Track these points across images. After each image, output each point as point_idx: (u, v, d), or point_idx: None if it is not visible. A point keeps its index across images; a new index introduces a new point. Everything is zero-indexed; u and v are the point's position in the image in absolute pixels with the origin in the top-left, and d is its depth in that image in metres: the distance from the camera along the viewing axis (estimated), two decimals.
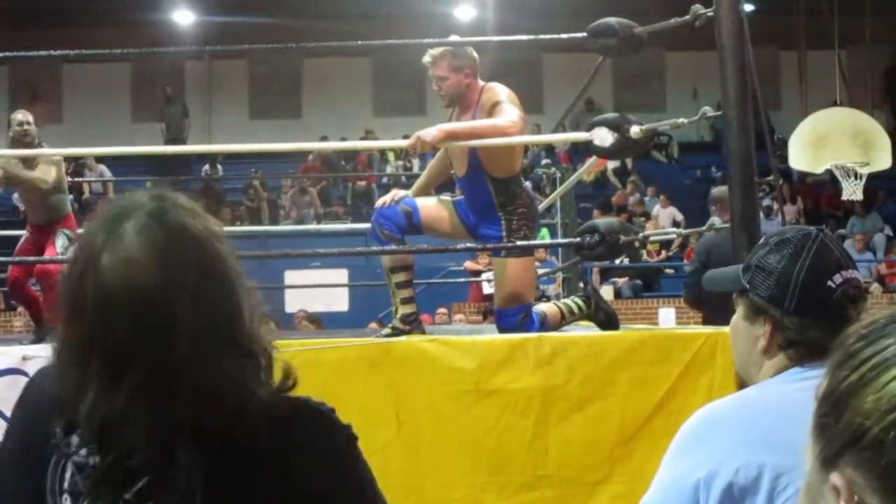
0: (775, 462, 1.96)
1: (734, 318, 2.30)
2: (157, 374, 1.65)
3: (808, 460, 1.12)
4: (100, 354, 1.67)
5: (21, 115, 7.97)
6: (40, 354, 4.82)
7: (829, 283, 2.16)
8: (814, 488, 1.10)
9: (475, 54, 5.74)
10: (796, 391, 2.06)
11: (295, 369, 1.80)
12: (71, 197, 22.02)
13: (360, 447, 1.82)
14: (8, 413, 3.63)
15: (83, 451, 1.72)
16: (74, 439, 1.73)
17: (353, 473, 1.81)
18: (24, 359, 4.73)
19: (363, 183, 23.33)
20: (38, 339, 7.30)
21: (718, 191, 9.53)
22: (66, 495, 1.73)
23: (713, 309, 8.21)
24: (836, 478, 1.05)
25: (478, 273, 16.97)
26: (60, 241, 8.06)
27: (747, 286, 2.23)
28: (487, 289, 16.89)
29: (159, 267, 1.68)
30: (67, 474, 1.73)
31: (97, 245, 1.71)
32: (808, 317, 2.15)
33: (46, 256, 7.74)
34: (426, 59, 5.72)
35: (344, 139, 20.97)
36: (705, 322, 8.50)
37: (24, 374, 4.61)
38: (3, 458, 1.88)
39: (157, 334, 1.66)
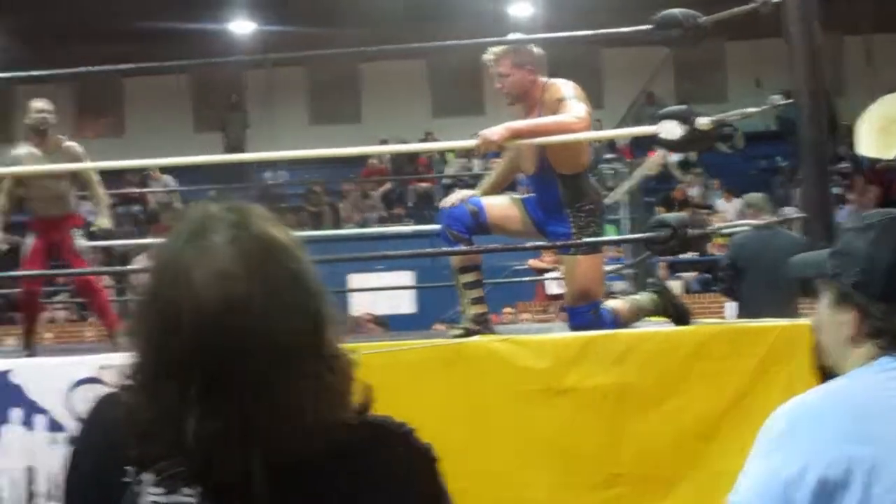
0: (868, 455, 1.91)
1: (820, 305, 2.23)
2: (253, 393, 1.59)
3: None
4: (199, 377, 1.58)
5: (40, 104, 7.89)
6: (119, 364, 4.86)
7: None
8: None
9: (538, 50, 5.70)
10: (888, 381, 2.02)
11: (371, 388, 1.73)
12: (138, 208, 22.16)
13: (439, 468, 1.76)
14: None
15: (160, 489, 1.64)
16: (147, 477, 1.65)
17: (433, 496, 1.75)
18: (102, 368, 4.77)
19: (425, 185, 23.34)
20: (30, 353, 7.28)
21: (751, 197, 9.91)
22: None
23: (747, 301, 8.64)
24: None
25: (542, 272, 16.92)
26: (78, 241, 7.99)
27: (832, 272, 2.17)
28: (552, 288, 16.86)
29: (255, 279, 1.61)
30: None
31: (185, 260, 1.63)
32: None
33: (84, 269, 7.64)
34: (488, 57, 5.69)
35: (403, 142, 20.99)
36: (739, 315, 8.78)
37: (103, 383, 4.65)
38: (72, 491, 1.80)
39: (259, 352, 1.59)
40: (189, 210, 1.74)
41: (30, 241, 7.82)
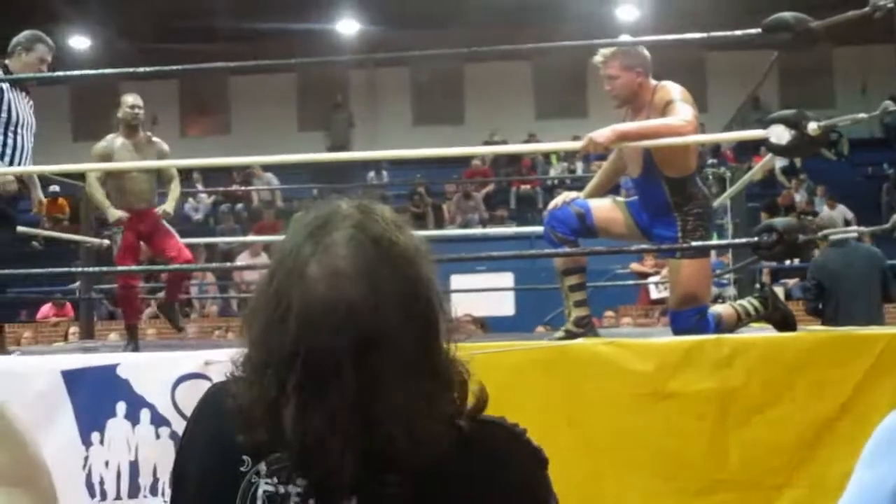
0: None
1: None
2: (357, 393, 1.59)
3: None
4: (299, 371, 1.60)
5: (132, 99, 7.98)
6: (223, 359, 4.93)
7: None
8: None
9: (646, 53, 5.69)
10: None
11: (486, 390, 1.73)
12: (241, 206, 22.39)
13: (549, 471, 1.77)
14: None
15: (273, 480, 1.68)
16: (262, 467, 1.69)
17: (543, 498, 1.76)
18: (206, 363, 4.84)
19: (528, 186, 23.32)
20: (134, 348, 7.39)
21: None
22: None
23: (833, 318, 8.88)
24: None
25: (644, 276, 16.83)
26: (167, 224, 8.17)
27: None
28: (654, 292, 16.76)
29: (367, 282, 1.61)
30: (258, 501, 1.69)
31: (304, 254, 1.65)
32: None
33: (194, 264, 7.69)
34: (597, 58, 5.68)
35: (505, 143, 21.00)
36: None
37: (207, 378, 4.72)
38: (188, 479, 1.83)
39: (358, 351, 1.59)
40: (317, 205, 1.75)
41: (119, 236, 7.93)
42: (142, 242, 8.05)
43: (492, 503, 1.70)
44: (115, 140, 7.90)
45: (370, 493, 1.64)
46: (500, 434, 1.76)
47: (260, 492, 1.69)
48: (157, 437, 4.83)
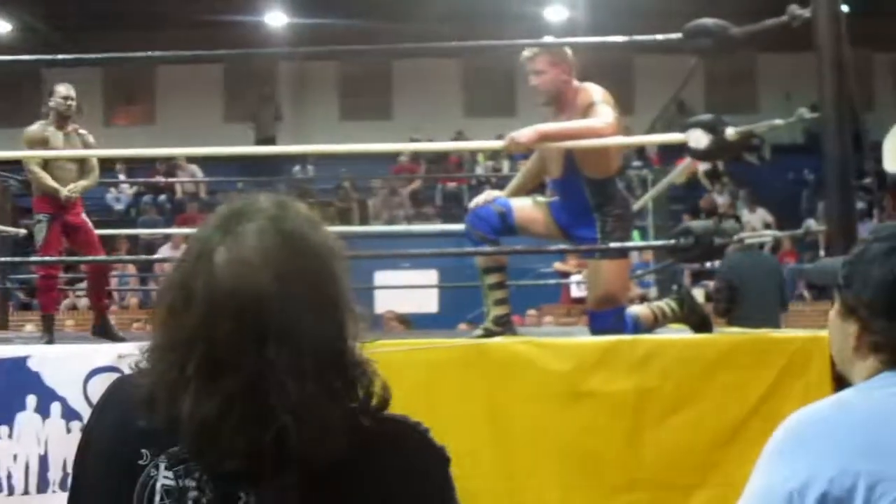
0: (871, 470, 1.88)
1: (831, 312, 2.22)
2: (253, 380, 1.62)
3: None
4: (199, 355, 1.64)
5: (65, 89, 7.96)
6: (137, 352, 4.90)
7: None
8: None
9: (572, 54, 5.73)
10: (889, 397, 2.01)
11: (388, 383, 1.77)
12: (164, 197, 22.22)
13: (451, 469, 1.80)
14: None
15: (171, 474, 1.71)
16: (161, 460, 1.72)
17: (444, 496, 1.79)
18: (120, 357, 4.80)
19: (453, 184, 23.36)
20: (49, 340, 7.33)
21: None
22: None
23: (737, 321, 9.12)
24: None
25: (567, 275, 16.94)
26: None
27: (841, 282, 2.17)
28: (576, 291, 16.89)
29: (271, 273, 1.65)
30: (156, 498, 1.71)
31: (213, 243, 1.69)
32: None
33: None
34: (525, 53, 5.71)
35: (433, 141, 21.01)
36: None
37: (121, 371, 4.69)
38: (85, 472, 1.85)
39: (259, 340, 1.62)
40: (234, 198, 1.79)
41: (43, 224, 7.84)
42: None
43: (399, 499, 1.73)
44: (46, 128, 7.86)
45: (269, 488, 1.66)
46: (406, 431, 1.79)
47: (158, 485, 1.71)
48: (69, 431, 4.76)
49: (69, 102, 7.90)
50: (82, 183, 7.95)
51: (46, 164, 7.80)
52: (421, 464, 1.77)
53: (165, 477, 1.71)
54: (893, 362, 2.07)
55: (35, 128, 7.90)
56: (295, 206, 1.77)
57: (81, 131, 8.05)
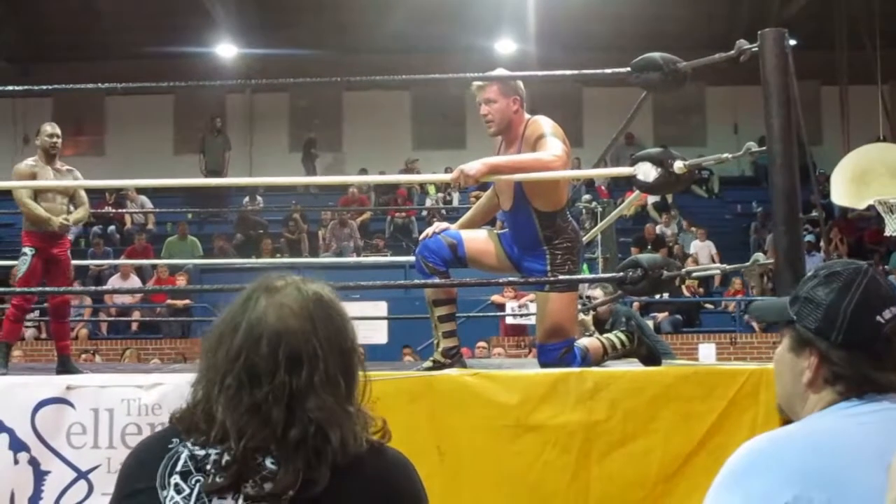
0: (824, 498, 1.92)
1: (779, 349, 2.26)
2: (289, 391, 2.02)
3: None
4: (238, 372, 2.04)
5: (51, 128, 8.18)
6: (85, 384, 4.84)
7: (879, 318, 2.13)
8: None
9: (522, 86, 5.73)
10: (847, 426, 2.04)
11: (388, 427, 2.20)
12: (113, 228, 22.10)
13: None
14: (52, 443, 3.76)
15: (195, 448, 2.04)
16: (188, 442, 2.06)
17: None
18: (68, 388, 4.75)
19: (403, 216, 23.37)
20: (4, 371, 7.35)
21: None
22: (175, 475, 2.03)
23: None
24: None
25: (503, 306, 17.05)
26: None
27: (794, 317, 2.20)
28: (510, 319, 17.05)
29: (306, 315, 2.10)
30: (180, 462, 2.04)
31: (255, 295, 2.13)
32: (856, 351, 2.12)
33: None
34: (476, 83, 5.70)
35: (383, 172, 21.04)
36: None
37: (69, 403, 4.64)
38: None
39: (292, 364, 2.04)
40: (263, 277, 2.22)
41: (27, 257, 7.88)
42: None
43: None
44: (36, 165, 8.04)
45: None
46: (396, 457, 2.18)
47: (183, 456, 2.05)
48: (16, 462, 4.68)
49: (54, 140, 8.12)
50: (76, 215, 8.12)
51: (36, 199, 7.84)
52: (414, 489, 2.16)
53: (190, 449, 2.05)
54: (850, 392, 2.12)
55: (27, 163, 8.09)
56: (320, 283, 2.21)
57: (70, 168, 8.27)
